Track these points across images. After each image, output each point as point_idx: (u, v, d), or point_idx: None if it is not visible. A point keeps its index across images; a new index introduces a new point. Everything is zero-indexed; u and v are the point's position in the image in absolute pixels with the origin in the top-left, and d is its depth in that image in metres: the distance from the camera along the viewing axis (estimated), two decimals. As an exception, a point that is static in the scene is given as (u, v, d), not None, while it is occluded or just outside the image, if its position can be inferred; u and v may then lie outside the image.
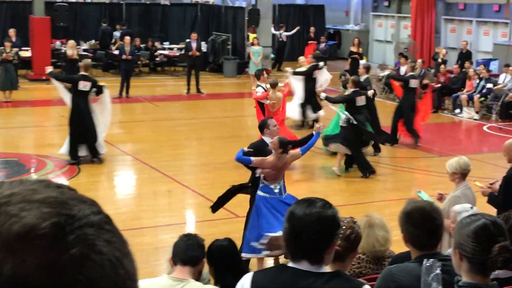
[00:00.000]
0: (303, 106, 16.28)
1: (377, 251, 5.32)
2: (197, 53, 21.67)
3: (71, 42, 20.49)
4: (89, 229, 0.98)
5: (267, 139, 8.68)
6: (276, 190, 8.27)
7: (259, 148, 8.63)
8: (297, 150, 8.57)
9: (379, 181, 12.80)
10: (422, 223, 3.66)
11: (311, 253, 2.86)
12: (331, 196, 11.55)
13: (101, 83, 13.65)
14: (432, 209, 3.74)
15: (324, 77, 16.69)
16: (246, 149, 8.65)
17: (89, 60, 14.56)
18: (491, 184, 7.70)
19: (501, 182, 7.46)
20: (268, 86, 13.40)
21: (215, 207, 9.11)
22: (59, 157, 13.77)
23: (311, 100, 16.37)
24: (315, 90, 15.69)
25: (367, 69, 16.15)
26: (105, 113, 13.52)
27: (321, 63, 17.10)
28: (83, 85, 12.95)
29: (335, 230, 2.94)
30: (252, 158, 8.29)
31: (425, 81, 16.18)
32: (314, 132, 8.92)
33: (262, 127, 9.07)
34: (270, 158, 8.13)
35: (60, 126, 17.12)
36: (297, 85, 16.28)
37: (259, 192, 8.37)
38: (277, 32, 27.63)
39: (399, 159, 14.45)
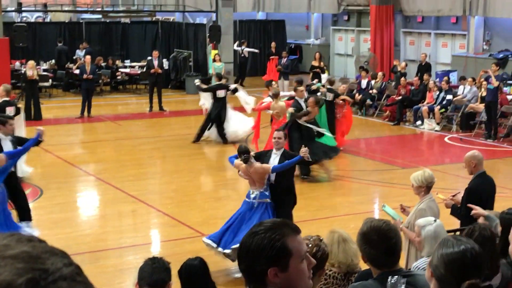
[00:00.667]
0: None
1: (354, 265, 5.34)
2: (159, 71, 21.61)
3: (31, 63, 20.27)
4: (62, 282, 0.99)
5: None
6: (252, 195, 8.85)
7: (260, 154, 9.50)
8: (267, 165, 8.86)
9: (343, 195, 12.86)
10: (378, 243, 3.69)
11: (252, 280, 2.50)
12: (296, 211, 11.56)
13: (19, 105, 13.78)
14: (388, 228, 3.76)
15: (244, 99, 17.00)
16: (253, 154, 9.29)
17: (9, 85, 14.47)
18: (453, 196, 7.78)
19: (463, 193, 7.54)
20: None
21: None
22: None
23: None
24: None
25: (331, 82, 16.39)
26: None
27: (232, 86, 17.52)
28: (9, 111, 12.87)
29: (263, 259, 2.42)
30: (235, 161, 8.99)
31: (340, 99, 16.31)
32: (300, 154, 8.90)
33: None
34: (243, 164, 8.76)
35: (21, 147, 16.91)
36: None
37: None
38: (239, 48, 27.69)
39: (362, 172, 14.54)
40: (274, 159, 9.01)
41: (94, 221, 11.61)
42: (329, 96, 15.91)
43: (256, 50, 28.43)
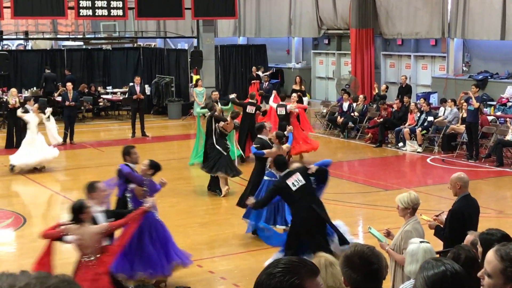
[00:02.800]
0: None
1: None
2: (142, 97, 21.64)
3: (13, 91, 20.21)
4: None
5: (264, 137, 12.08)
6: (277, 175, 10.30)
7: (263, 144, 11.87)
8: (287, 144, 12.42)
9: (328, 218, 12.85)
10: (360, 267, 3.71)
11: None
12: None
13: None
14: (371, 253, 3.78)
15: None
16: (255, 145, 11.90)
17: None
18: (436, 216, 7.82)
19: (446, 215, 7.58)
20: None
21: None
22: (4, 208, 13.50)
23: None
24: None
25: (283, 98, 18.73)
26: None
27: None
28: None
29: None
30: (264, 151, 11.58)
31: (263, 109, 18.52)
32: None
33: (259, 128, 12.33)
34: (273, 149, 11.50)
35: (3, 176, 16.81)
36: None
37: (265, 177, 11.22)
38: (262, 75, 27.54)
39: (346, 195, 14.58)
40: None
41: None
42: (281, 111, 17.35)
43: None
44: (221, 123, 14.24)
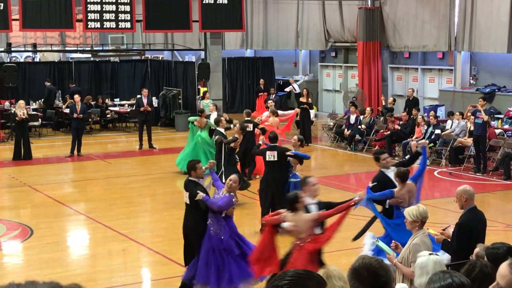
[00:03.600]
0: None
1: None
2: (149, 109, 21.69)
3: (21, 103, 20.29)
4: None
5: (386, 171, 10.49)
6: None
7: (383, 180, 10.32)
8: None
9: (334, 231, 12.81)
10: (367, 279, 3.70)
11: None
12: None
13: None
14: (379, 266, 3.78)
15: None
16: (371, 184, 10.22)
17: None
18: (443, 230, 7.80)
19: (454, 228, 7.56)
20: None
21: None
22: (11, 220, 13.53)
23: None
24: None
25: (248, 114, 18.23)
26: None
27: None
28: None
29: None
30: (394, 190, 9.93)
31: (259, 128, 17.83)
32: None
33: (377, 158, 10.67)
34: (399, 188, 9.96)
35: (11, 187, 16.85)
36: None
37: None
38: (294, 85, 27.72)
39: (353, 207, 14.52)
40: None
41: (85, 260, 11.54)
42: (249, 127, 16.96)
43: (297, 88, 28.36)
44: (232, 144, 14.31)
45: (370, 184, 10.19)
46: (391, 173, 10.27)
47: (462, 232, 7.31)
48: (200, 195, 9.18)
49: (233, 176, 9.52)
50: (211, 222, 9.30)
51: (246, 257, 9.03)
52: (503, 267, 3.44)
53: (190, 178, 9.69)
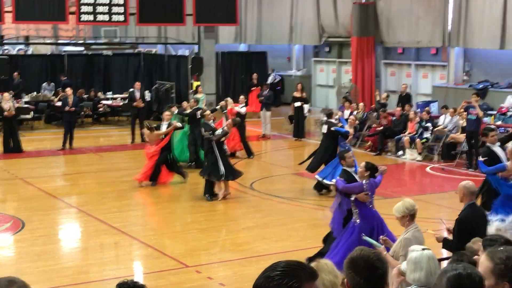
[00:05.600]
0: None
1: None
2: (142, 104, 21.66)
3: (6, 95, 20.19)
4: None
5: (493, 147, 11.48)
6: None
7: (491, 155, 11.28)
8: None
9: (326, 225, 12.82)
10: (364, 270, 3.71)
11: None
12: (282, 241, 11.57)
13: None
14: (376, 258, 3.79)
15: None
16: (482, 159, 11.11)
17: None
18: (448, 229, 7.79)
19: (454, 225, 7.55)
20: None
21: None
22: (3, 212, 13.48)
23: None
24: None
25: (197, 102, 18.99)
26: None
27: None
28: None
29: None
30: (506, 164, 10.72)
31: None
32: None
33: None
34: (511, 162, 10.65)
35: (2, 180, 16.80)
36: None
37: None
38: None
39: (346, 202, 14.54)
40: None
41: (77, 253, 11.51)
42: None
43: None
44: (223, 138, 14.31)
45: (481, 159, 11.14)
46: (497, 148, 11.40)
47: (462, 228, 7.30)
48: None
49: (362, 163, 10.00)
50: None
51: None
52: (482, 256, 3.51)
53: (343, 168, 10.39)
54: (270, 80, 28.83)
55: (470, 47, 23.03)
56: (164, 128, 16.05)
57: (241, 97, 20.36)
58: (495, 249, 3.50)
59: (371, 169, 9.75)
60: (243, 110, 19.67)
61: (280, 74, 31.67)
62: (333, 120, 15.59)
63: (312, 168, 15.22)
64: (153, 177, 15.87)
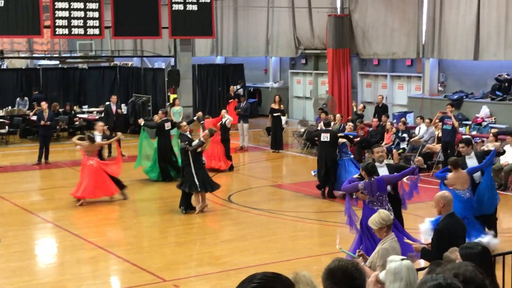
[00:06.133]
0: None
1: None
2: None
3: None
4: None
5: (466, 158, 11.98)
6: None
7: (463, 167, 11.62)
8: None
9: (305, 237, 12.84)
10: (342, 281, 3.70)
11: None
12: (260, 254, 11.53)
13: None
14: (354, 269, 3.77)
15: None
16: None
17: None
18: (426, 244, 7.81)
19: (432, 235, 7.56)
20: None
21: None
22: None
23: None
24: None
25: (165, 113, 18.99)
26: None
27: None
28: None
29: None
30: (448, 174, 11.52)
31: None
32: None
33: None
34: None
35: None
36: None
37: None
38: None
39: (324, 213, 14.56)
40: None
41: (53, 269, 11.38)
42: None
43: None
44: (199, 149, 14.24)
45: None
46: (470, 160, 11.98)
47: (441, 238, 7.30)
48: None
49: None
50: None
51: None
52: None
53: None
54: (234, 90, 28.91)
55: (445, 58, 23.24)
56: (98, 139, 15.97)
57: (223, 111, 20.10)
58: (442, 269, 3.50)
59: (366, 169, 10.20)
60: (228, 122, 19.50)
61: (257, 86, 31.71)
62: (330, 129, 16.19)
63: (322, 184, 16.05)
64: (119, 185, 15.83)
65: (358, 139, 17.22)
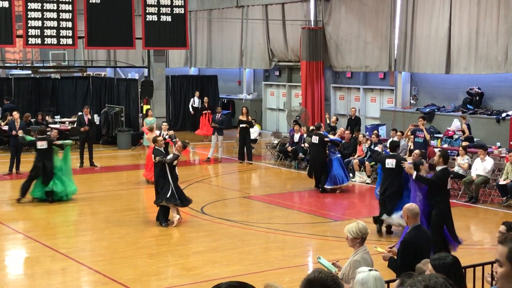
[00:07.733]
0: None
1: None
2: (87, 129, 21.31)
3: None
4: None
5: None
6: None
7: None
8: None
9: (278, 249, 12.84)
10: None
11: None
12: (232, 265, 11.50)
13: None
14: (333, 283, 3.77)
15: None
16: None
17: None
18: (390, 247, 7.88)
19: (399, 246, 7.65)
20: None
21: None
22: None
23: None
24: None
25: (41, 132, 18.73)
26: None
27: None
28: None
29: None
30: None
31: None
32: None
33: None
34: None
35: None
36: None
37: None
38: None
39: (296, 225, 14.58)
40: None
41: (23, 280, 11.25)
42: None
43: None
44: (175, 162, 14.18)
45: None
46: None
47: (406, 249, 7.42)
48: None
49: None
50: None
51: None
52: (500, 247, 3.59)
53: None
54: (190, 103, 29.08)
55: (416, 71, 23.48)
56: None
57: (164, 124, 19.60)
58: (413, 280, 3.53)
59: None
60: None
61: (231, 97, 31.75)
62: (321, 132, 18.02)
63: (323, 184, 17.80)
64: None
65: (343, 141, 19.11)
